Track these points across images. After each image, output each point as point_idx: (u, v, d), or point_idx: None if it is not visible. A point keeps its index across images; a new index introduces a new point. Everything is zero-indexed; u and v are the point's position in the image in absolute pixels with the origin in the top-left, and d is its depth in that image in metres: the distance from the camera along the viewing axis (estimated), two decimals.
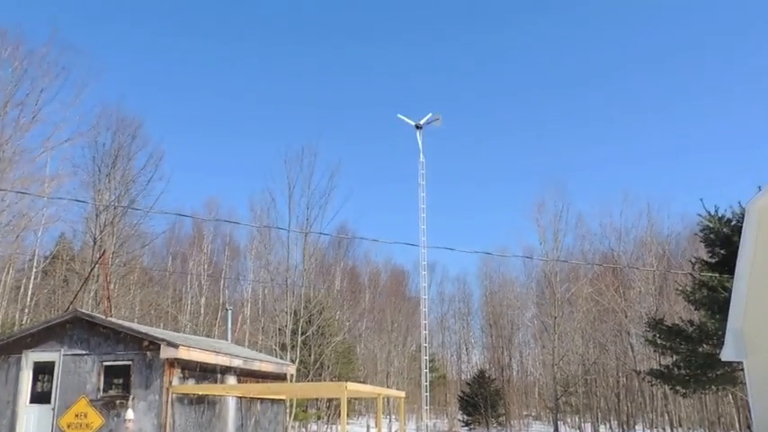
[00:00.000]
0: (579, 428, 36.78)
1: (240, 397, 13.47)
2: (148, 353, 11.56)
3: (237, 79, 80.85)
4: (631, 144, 76.73)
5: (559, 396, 36.04)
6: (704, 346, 19.12)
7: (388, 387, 38.10)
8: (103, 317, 12.63)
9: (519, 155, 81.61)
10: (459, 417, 42.90)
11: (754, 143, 66.54)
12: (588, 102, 79.25)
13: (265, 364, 14.91)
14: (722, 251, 19.29)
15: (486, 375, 41.96)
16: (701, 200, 24.80)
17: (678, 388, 20.39)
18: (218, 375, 12.97)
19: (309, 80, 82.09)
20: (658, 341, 20.81)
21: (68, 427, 11.58)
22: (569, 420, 39.46)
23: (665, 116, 74.27)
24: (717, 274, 18.42)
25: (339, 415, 22.25)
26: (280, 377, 15.43)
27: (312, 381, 29.42)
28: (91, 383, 11.75)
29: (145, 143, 29.34)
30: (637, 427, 35.59)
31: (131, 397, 11.37)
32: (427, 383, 23.16)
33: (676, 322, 21.00)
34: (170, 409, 11.26)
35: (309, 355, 30.25)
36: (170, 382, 11.38)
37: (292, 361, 26.61)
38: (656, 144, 73.64)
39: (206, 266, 40.52)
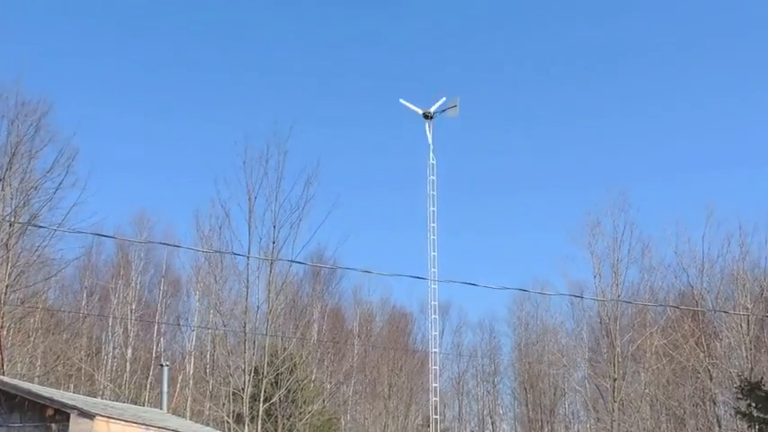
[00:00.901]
0: None
1: None
2: (54, 425, 11.55)
3: (178, 48, 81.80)
4: (719, 145, 77.40)
5: None
6: None
7: None
8: None
9: (562, 156, 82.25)
10: None
11: None
12: (657, 83, 79.97)
13: None
14: None
15: None
16: None
17: None
18: None
19: (281, 52, 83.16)
20: (754, 413, 20.76)
21: None
22: None
23: (763, 107, 75.03)
24: None
25: None
26: None
27: None
28: None
29: (52, 136, 29.33)
30: None
31: None
32: None
33: None
34: None
35: (276, 431, 29.97)
36: None
37: None
38: (752, 145, 73.81)
39: (134, 306, 40.54)
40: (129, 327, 39.29)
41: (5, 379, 13.22)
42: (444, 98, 30.03)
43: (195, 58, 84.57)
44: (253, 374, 29.20)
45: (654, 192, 68.52)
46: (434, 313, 31.18)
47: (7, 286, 26.84)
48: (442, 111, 31.10)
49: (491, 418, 59.36)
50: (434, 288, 31.26)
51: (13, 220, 27.12)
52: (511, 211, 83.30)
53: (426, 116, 31.93)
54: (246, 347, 29.58)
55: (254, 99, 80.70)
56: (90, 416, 11.62)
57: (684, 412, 36.04)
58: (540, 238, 76.44)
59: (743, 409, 21.47)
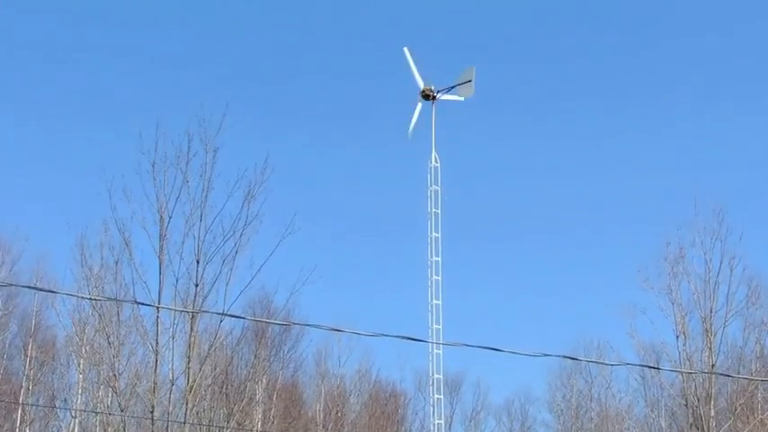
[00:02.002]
0: None
1: None
2: None
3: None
4: None
5: None
6: None
7: None
8: None
9: (624, 163, 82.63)
10: None
11: None
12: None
13: None
14: None
15: None
16: None
17: None
18: None
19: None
20: None
21: None
22: None
23: None
24: None
25: None
26: None
27: None
28: None
29: None
30: None
31: None
32: None
33: None
34: None
35: None
36: None
37: None
38: None
39: None
40: None
41: None
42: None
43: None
44: None
45: (764, 214, 68.76)
46: (438, 392, 31.38)
47: None
48: (453, 88, 31.38)
49: None
50: (438, 354, 31.66)
51: None
52: (546, 238, 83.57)
53: (427, 96, 32.26)
54: None
55: (167, 71, 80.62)
56: None
57: None
58: (594, 282, 76.57)
59: None
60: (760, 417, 38.04)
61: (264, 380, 45.07)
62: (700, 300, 38.30)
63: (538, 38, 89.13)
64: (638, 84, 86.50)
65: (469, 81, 31.94)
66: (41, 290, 39.95)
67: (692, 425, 38.32)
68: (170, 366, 30.18)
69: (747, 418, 38.43)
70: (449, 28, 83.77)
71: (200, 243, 30.32)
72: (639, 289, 43.38)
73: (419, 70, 32.95)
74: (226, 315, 30.02)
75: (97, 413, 35.91)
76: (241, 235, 30.65)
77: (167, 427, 29.88)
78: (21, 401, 41.14)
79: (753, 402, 39.47)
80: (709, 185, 74.63)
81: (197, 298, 30.07)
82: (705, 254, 38.55)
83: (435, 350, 31.53)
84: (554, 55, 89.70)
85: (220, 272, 30.29)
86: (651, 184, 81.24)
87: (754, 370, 38.09)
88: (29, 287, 42.06)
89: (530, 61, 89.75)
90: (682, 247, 38.96)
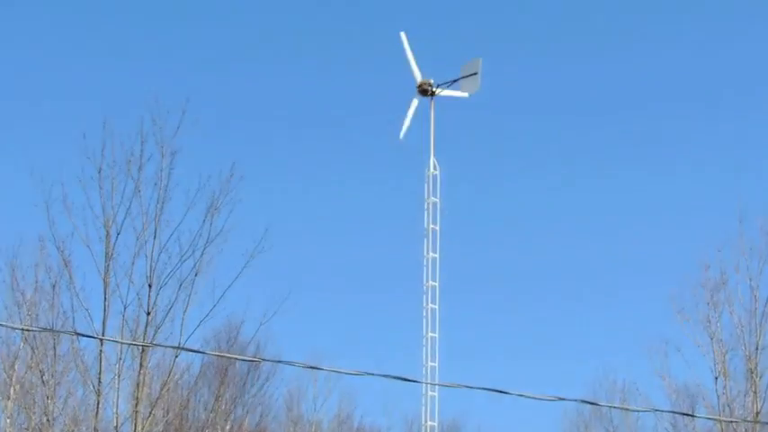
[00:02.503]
0: None
1: None
2: None
3: None
4: None
5: None
6: None
7: None
8: None
9: (645, 162, 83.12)
10: None
11: None
12: None
13: None
14: None
15: None
16: None
17: None
18: None
19: None
20: None
21: None
22: None
23: None
24: None
25: None
26: None
27: None
28: None
29: None
30: None
31: None
32: None
33: None
34: None
35: None
36: None
37: None
38: None
39: None
40: None
41: None
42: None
43: None
44: None
45: None
46: None
47: None
48: (456, 82, 31.54)
49: None
50: (432, 397, 31.62)
51: None
52: (562, 263, 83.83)
53: (425, 91, 32.58)
54: None
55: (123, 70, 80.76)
56: None
57: None
58: (617, 312, 76.61)
59: None
60: None
61: (227, 426, 45.16)
62: (744, 334, 38.09)
63: (559, 32, 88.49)
64: (672, 76, 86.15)
65: (475, 74, 32.16)
66: None
67: None
68: (114, 410, 30.27)
69: None
70: (453, 17, 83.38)
71: (153, 264, 30.35)
72: (672, 321, 43.49)
73: (417, 60, 32.97)
74: (182, 349, 30.40)
75: None
76: (202, 254, 30.75)
77: None
78: None
79: None
80: (757, 199, 74.41)
81: (148, 328, 29.99)
82: (751, 280, 38.37)
83: (430, 392, 31.30)
84: (576, 51, 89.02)
85: (177, 298, 30.35)
86: (686, 195, 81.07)
87: None
88: None
89: (549, 56, 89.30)
90: (723, 272, 38.86)
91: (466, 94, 32.64)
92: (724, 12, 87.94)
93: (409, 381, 25.56)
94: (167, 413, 32.51)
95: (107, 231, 30.33)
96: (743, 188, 77.30)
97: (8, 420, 39.35)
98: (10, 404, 38.72)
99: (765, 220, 41.96)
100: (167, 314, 30.27)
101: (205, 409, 42.74)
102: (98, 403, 29.85)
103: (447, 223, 34.10)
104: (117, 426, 29.90)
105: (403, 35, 33.14)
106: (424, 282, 32.46)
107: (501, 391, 16.76)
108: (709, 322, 38.46)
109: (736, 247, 39.09)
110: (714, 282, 38.96)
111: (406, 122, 32.56)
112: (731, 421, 36.80)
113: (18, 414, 38.01)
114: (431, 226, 32.43)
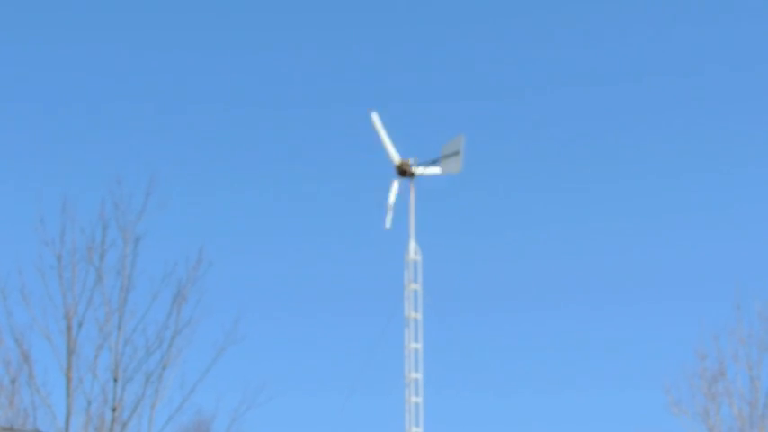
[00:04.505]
0: None
1: None
2: None
3: None
4: None
5: None
6: None
7: None
8: None
9: (637, 235, 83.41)
10: None
11: None
12: None
13: None
14: None
15: None
16: None
17: None
18: None
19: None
20: None
21: None
22: None
23: None
24: None
25: None
26: None
27: None
28: None
29: None
30: None
31: None
32: None
33: None
34: None
35: None
36: None
37: None
38: None
39: None
40: None
41: None
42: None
43: None
44: None
45: None
46: None
47: None
48: (436, 163, 31.33)
49: None
50: None
51: None
52: (549, 337, 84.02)
53: (404, 173, 32.33)
54: None
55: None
56: None
57: None
58: (607, 402, 76.39)
59: None
60: None
61: None
62: (744, 427, 38.10)
63: (535, 102, 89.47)
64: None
65: (457, 153, 32.17)
66: None
67: None
68: None
69: None
70: (430, 92, 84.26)
71: (117, 357, 29.87)
72: (667, 413, 43.67)
73: (392, 140, 32.82)
74: None
75: None
76: (169, 346, 30.24)
77: None
78: None
79: None
80: (755, 284, 74.72)
81: (114, 425, 29.59)
82: (750, 369, 38.46)
83: None
84: (555, 119, 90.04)
85: (144, 392, 29.75)
86: (679, 275, 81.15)
87: None
88: None
89: (530, 126, 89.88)
90: (721, 361, 38.82)
91: (442, 173, 32.94)
92: None
93: None
94: None
95: (68, 323, 30.01)
96: (739, 275, 77.53)
97: None
98: None
99: (764, 307, 42.46)
100: (134, 410, 29.70)
101: None
102: None
103: (430, 310, 34.12)
104: None
105: (374, 116, 33.02)
106: (406, 374, 32.63)
107: None
108: (708, 415, 38.26)
109: (735, 335, 39.15)
110: (712, 372, 38.92)
111: (390, 205, 32.45)
112: None
113: None
114: (412, 314, 32.38)
